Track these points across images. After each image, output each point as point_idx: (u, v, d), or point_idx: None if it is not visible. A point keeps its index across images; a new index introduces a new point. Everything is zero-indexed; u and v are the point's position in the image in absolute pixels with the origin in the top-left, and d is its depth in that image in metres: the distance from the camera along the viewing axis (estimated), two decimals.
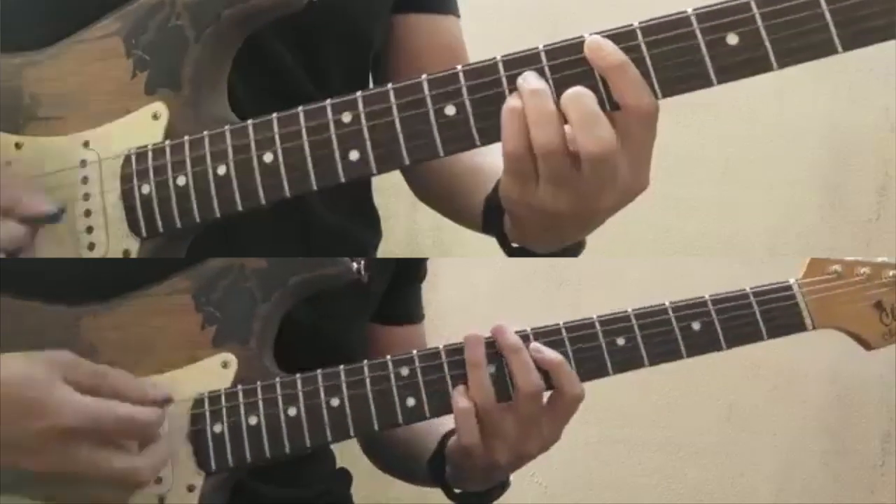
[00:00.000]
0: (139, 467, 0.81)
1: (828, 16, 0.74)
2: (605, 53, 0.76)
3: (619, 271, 1.86)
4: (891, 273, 0.98)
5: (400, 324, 1.14)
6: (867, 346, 0.99)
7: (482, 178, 0.95)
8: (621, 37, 0.77)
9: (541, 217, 0.81)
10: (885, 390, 1.91)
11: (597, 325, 0.92)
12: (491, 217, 0.92)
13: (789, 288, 0.96)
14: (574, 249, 0.93)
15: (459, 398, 0.89)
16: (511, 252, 0.92)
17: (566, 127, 0.77)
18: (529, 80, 0.77)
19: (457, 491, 1.00)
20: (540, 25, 1.88)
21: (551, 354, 0.89)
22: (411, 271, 1.16)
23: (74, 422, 0.78)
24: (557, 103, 0.77)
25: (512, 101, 0.77)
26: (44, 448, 0.78)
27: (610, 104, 0.77)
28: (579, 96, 0.76)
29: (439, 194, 1.14)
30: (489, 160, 0.95)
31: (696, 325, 0.93)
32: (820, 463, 1.94)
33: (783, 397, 1.93)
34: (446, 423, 0.99)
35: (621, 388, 1.87)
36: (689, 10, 0.76)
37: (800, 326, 0.96)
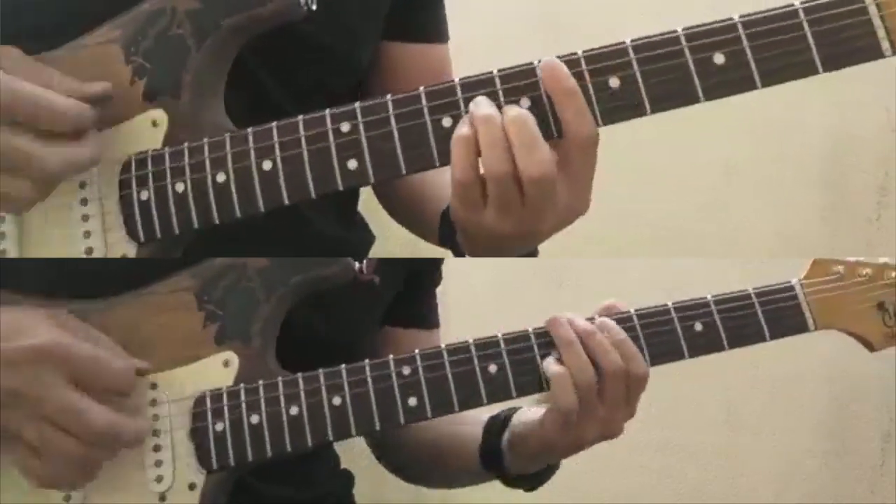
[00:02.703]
0: (95, 417, 0.80)
1: (810, 38, 0.77)
2: (558, 76, 0.79)
3: (619, 271, 1.86)
4: (893, 274, 0.98)
5: (410, 327, 1.14)
6: (870, 347, 0.99)
7: (442, 192, 0.96)
8: (613, 54, 0.80)
9: (487, 237, 0.84)
10: (885, 390, 1.91)
11: None
12: (446, 231, 0.93)
13: (792, 289, 0.96)
14: (528, 254, 0.94)
15: (551, 365, 0.90)
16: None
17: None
18: (481, 107, 0.79)
19: (515, 475, 1.02)
20: (541, 28, 1.88)
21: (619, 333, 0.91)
22: (425, 275, 1.16)
23: (53, 346, 0.80)
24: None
25: (462, 130, 0.79)
26: (16, 365, 0.79)
27: (557, 130, 0.80)
28: (521, 119, 0.79)
29: (403, 208, 1.16)
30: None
31: (698, 326, 0.93)
32: (820, 463, 1.94)
33: (783, 397, 1.93)
34: (467, 419, 1.00)
35: None
36: (679, 30, 0.79)
37: (802, 327, 0.96)
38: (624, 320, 0.93)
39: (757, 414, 1.93)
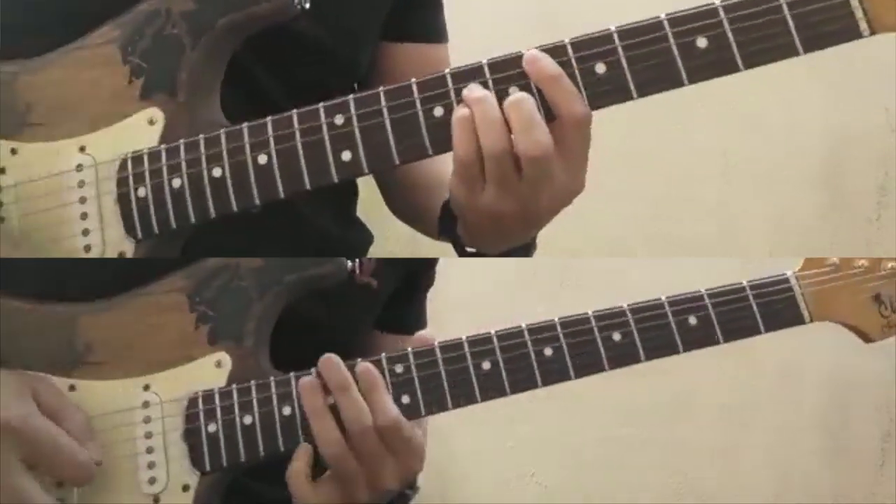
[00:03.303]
0: None
1: (789, 20, 0.79)
2: (541, 66, 0.81)
3: (619, 271, 1.86)
4: (889, 265, 0.96)
5: (395, 332, 1.13)
6: (867, 338, 0.97)
7: (442, 186, 0.97)
8: (599, 40, 0.82)
9: (487, 219, 0.85)
10: (885, 390, 1.92)
11: (592, 320, 0.91)
12: (446, 222, 0.94)
13: (786, 280, 0.95)
14: (526, 249, 0.95)
15: (294, 462, 0.87)
16: (463, 255, 0.95)
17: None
18: (474, 90, 0.82)
19: None
20: (539, 28, 1.88)
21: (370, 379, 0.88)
22: (419, 279, 1.16)
23: (15, 422, 0.81)
24: (503, 111, 0.81)
25: (461, 110, 0.82)
26: None
27: (546, 114, 0.82)
28: (520, 101, 0.81)
29: (405, 202, 1.17)
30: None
31: (692, 320, 0.92)
32: (820, 463, 1.94)
33: (783, 397, 1.93)
34: None
35: (621, 387, 1.89)
36: (662, 16, 0.81)
37: (797, 319, 0.95)
38: (617, 314, 0.92)
39: (757, 413, 1.93)
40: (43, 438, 0.82)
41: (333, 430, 0.87)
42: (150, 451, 0.88)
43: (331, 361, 0.88)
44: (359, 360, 0.90)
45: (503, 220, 0.85)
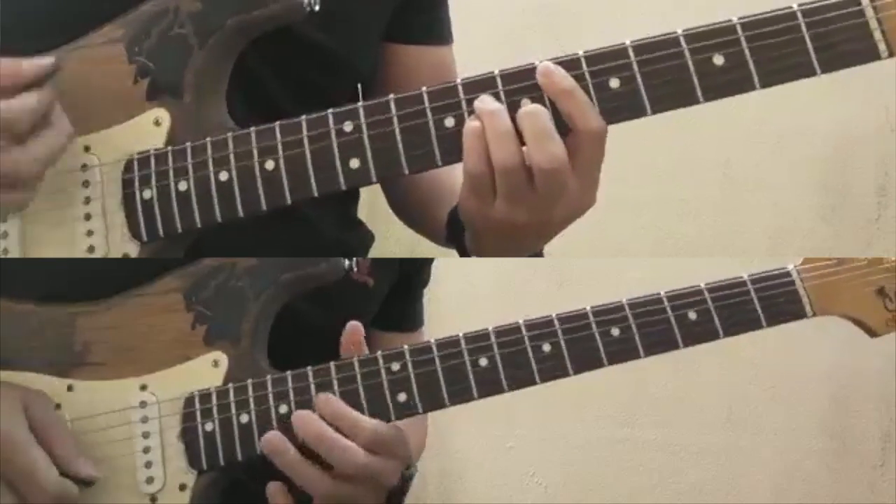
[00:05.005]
0: None
1: (808, 40, 0.78)
2: (555, 78, 0.80)
3: (619, 272, 1.86)
4: (893, 259, 0.95)
5: (391, 330, 1.13)
6: (871, 333, 0.95)
7: (451, 193, 0.96)
8: (614, 55, 0.81)
9: (497, 229, 0.85)
10: (885, 390, 1.92)
11: (590, 315, 0.91)
12: (454, 230, 0.93)
13: (788, 274, 0.93)
14: (533, 256, 0.94)
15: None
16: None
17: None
18: (486, 102, 0.81)
19: None
20: (539, 27, 1.88)
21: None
22: (415, 276, 1.16)
23: None
24: (515, 124, 0.80)
25: (473, 123, 0.81)
26: None
27: (560, 128, 0.80)
28: (534, 113, 0.80)
29: (411, 208, 1.16)
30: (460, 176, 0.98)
31: (691, 314, 0.91)
32: (820, 463, 1.94)
33: (783, 397, 1.94)
34: None
35: (621, 388, 1.89)
36: (679, 31, 0.80)
37: (800, 313, 0.93)
38: (615, 310, 0.91)
39: (757, 414, 1.93)
40: (20, 461, 0.82)
41: (318, 477, 0.86)
42: (147, 450, 0.88)
43: (303, 417, 0.87)
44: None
45: (513, 232, 0.85)
